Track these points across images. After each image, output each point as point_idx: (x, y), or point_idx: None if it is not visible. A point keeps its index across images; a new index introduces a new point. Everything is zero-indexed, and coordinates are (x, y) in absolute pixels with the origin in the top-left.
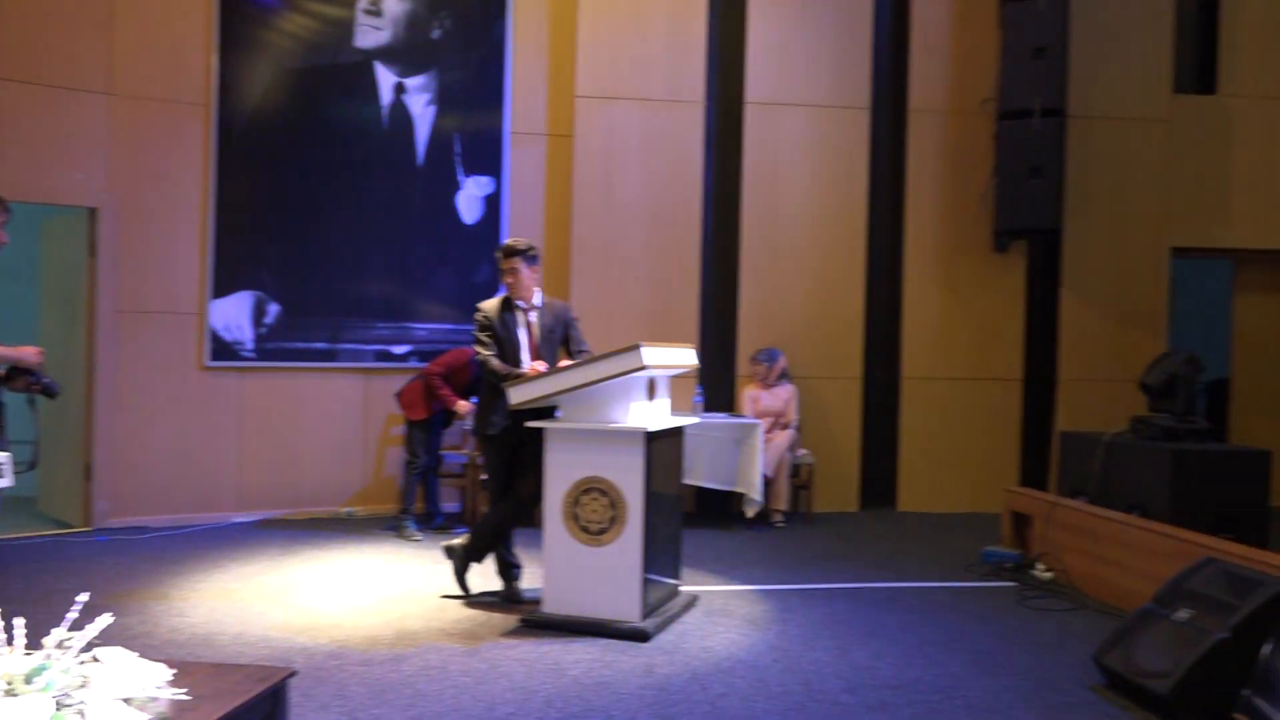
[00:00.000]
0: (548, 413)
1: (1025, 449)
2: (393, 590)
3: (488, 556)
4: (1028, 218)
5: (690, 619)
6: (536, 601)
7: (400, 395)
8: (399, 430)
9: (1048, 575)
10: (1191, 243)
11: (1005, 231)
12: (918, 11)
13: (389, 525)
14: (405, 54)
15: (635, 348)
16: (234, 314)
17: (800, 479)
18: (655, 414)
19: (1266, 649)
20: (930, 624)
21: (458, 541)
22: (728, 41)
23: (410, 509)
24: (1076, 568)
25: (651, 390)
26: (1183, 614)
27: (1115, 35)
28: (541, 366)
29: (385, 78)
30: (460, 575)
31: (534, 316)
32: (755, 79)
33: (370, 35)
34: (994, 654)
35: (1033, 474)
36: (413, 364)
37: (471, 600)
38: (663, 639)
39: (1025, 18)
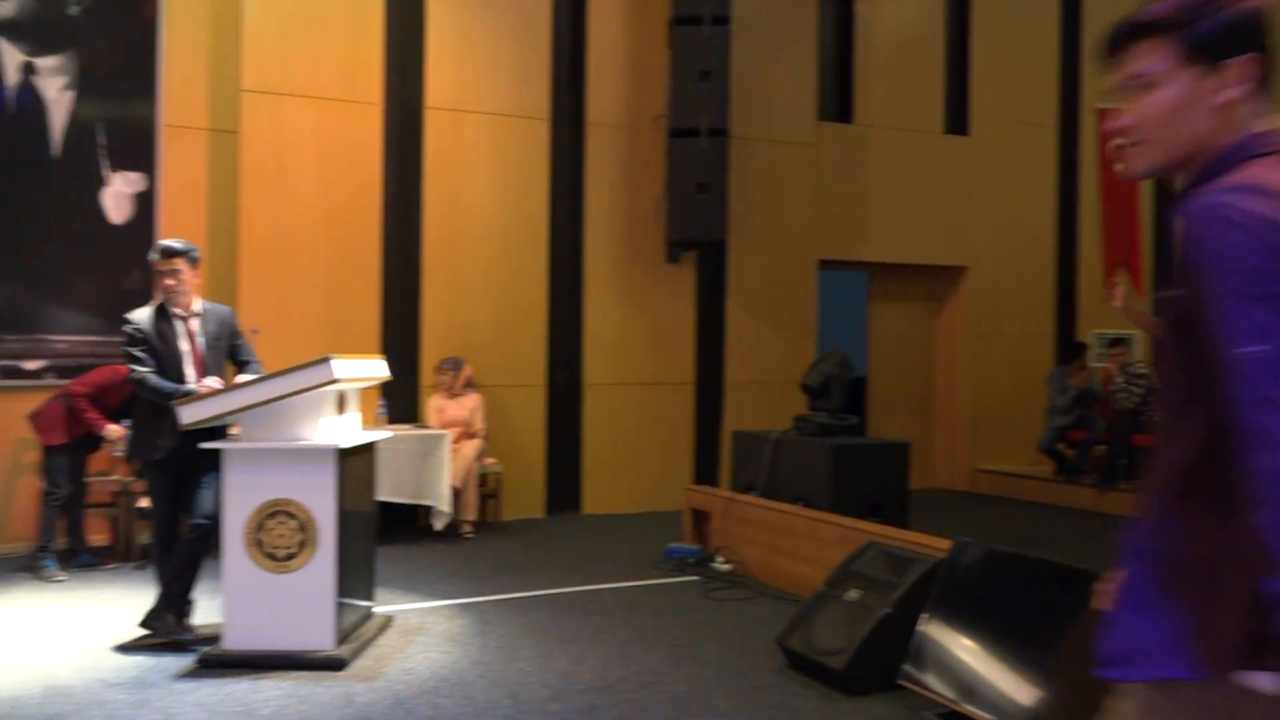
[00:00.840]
0: (218, 432)
1: (699, 448)
2: (36, 641)
3: (191, 599)
4: (696, 230)
5: (387, 641)
6: (215, 638)
7: (35, 417)
8: (34, 457)
9: (727, 567)
10: (835, 255)
11: (677, 243)
12: (594, 27)
13: (24, 566)
14: (35, 30)
15: (325, 360)
16: None
17: (488, 488)
18: (346, 429)
19: (922, 621)
20: (626, 624)
21: (152, 607)
22: (406, 43)
23: (50, 546)
24: (752, 558)
25: (341, 404)
26: (852, 594)
27: (769, 65)
28: (215, 383)
29: (10, 55)
30: (175, 631)
31: (195, 325)
32: (435, 83)
33: None
34: (688, 647)
35: (706, 472)
36: (50, 381)
37: (134, 645)
38: (360, 665)
39: (692, 42)
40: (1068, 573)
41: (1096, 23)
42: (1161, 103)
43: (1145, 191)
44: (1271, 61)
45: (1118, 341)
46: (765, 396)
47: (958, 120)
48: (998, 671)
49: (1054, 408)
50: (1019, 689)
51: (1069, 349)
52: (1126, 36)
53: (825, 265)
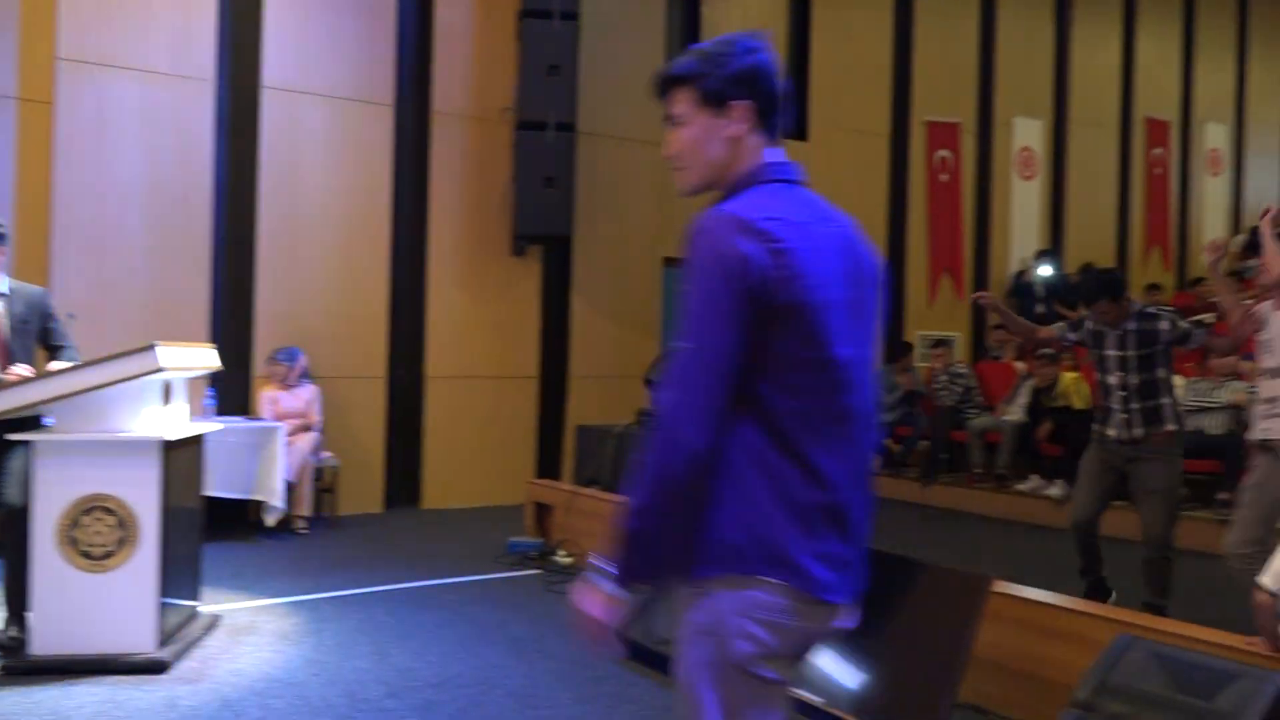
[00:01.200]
0: (29, 422)
1: (542, 442)
2: None
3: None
4: (543, 224)
5: (213, 642)
6: (19, 643)
7: None
8: None
9: (569, 560)
10: (679, 254)
11: (523, 236)
12: (440, 14)
13: None
14: None
15: (150, 348)
16: None
17: (324, 482)
18: (172, 421)
19: None
20: (465, 618)
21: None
22: (242, 17)
23: None
24: (594, 551)
25: (167, 395)
26: None
27: (617, 62)
28: (24, 370)
29: None
30: (15, 642)
31: (0, 306)
32: (272, 62)
33: None
34: (529, 640)
35: (549, 466)
36: None
37: None
38: (184, 667)
39: (540, 35)
40: (892, 561)
41: (926, 40)
42: (689, 137)
43: (967, 201)
44: (770, 104)
45: (940, 343)
46: (609, 391)
47: (797, 126)
48: (826, 657)
49: (881, 404)
50: (846, 673)
51: (896, 349)
52: (664, 85)
53: (670, 263)
